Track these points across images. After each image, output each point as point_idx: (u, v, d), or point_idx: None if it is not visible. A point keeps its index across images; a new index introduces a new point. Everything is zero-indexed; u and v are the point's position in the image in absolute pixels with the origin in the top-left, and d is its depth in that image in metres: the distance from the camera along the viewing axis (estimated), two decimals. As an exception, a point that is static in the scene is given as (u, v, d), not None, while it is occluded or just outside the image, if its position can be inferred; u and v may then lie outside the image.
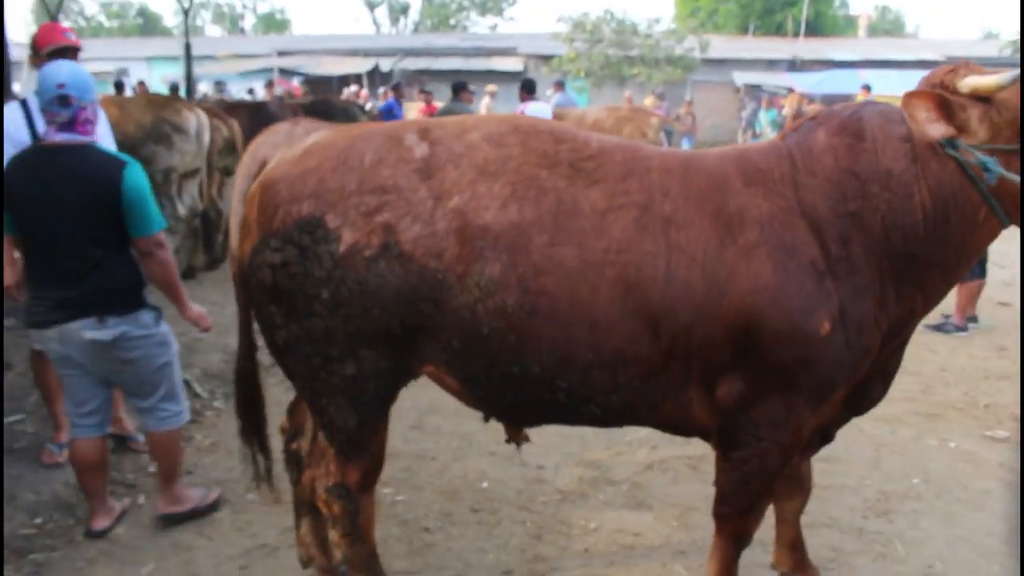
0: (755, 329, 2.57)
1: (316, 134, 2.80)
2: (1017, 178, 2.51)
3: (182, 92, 17.97)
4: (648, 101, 19.87)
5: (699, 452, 4.67)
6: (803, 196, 2.63)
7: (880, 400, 3.02)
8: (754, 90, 26.57)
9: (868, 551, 3.74)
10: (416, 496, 4.16)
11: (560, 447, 4.72)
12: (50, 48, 4.12)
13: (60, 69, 3.46)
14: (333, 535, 2.95)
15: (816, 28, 34.26)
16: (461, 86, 10.08)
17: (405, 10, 45.95)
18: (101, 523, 3.86)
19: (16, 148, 3.97)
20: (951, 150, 2.57)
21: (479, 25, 46.29)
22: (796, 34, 32.07)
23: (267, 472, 3.26)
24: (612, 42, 25.91)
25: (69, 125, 3.45)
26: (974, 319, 7.26)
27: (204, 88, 21.91)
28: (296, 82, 26.15)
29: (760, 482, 2.85)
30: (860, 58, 28.14)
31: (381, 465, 2.90)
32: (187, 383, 5.62)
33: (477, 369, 2.64)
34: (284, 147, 2.80)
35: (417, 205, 2.55)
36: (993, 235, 2.73)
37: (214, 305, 7.01)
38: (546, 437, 4.81)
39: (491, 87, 19.60)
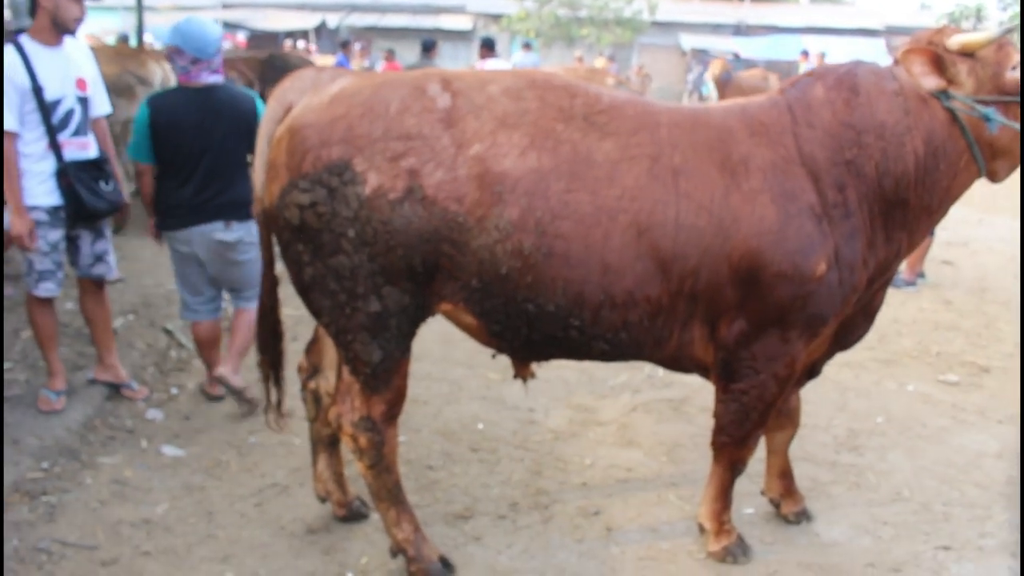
0: (758, 269, 2.80)
1: (341, 80, 2.90)
2: (1016, 125, 2.81)
3: (132, 43, 17.44)
4: (599, 63, 20.01)
5: (680, 395, 4.94)
6: (802, 146, 2.87)
7: (864, 335, 3.29)
8: (701, 54, 26.89)
9: (842, 481, 4.04)
10: (415, 437, 4.33)
11: (547, 391, 4.93)
12: None
13: (212, 25, 4.33)
14: (360, 467, 3.09)
15: (761, -7, 34.71)
16: (431, 44, 10.11)
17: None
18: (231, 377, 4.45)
19: (17, 91, 4.03)
20: (947, 101, 2.85)
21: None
22: (741, -1, 32.47)
23: (279, 403, 3.38)
24: (562, 2, 25.93)
25: (216, 70, 4.30)
26: (922, 275, 7.67)
27: (150, 40, 21.29)
28: (241, 36, 25.57)
29: (757, 412, 3.09)
30: (804, 24, 28.65)
31: (404, 398, 3.06)
32: (169, 333, 5.70)
33: (495, 306, 2.82)
34: (310, 93, 2.90)
35: (440, 152, 2.69)
36: (971, 181, 3.05)
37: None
38: (533, 383, 5.03)
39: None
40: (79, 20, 4.14)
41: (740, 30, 29.22)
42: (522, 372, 3.42)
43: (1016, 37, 2.85)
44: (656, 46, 28.82)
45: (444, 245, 2.72)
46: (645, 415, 4.71)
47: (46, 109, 4.11)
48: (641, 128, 2.83)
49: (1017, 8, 24.30)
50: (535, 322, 2.83)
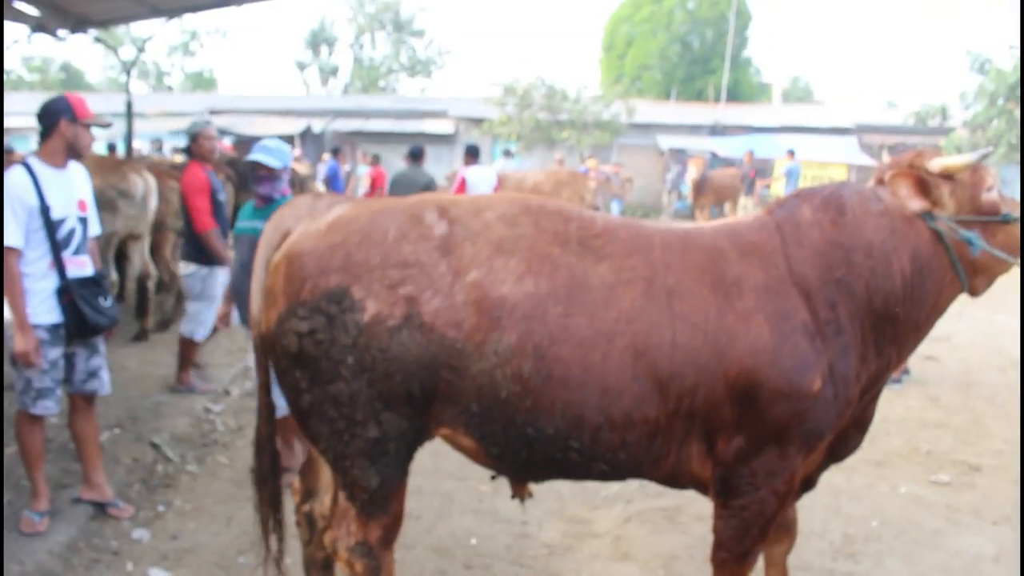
0: (755, 387, 2.84)
1: (338, 208, 2.98)
2: (995, 251, 2.99)
3: (120, 151, 17.76)
4: (591, 163, 20.51)
5: (674, 503, 4.90)
6: (793, 266, 2.95)
7: (858, 447, 3.32)
8: (678, 154, 27.59)
9: (841, 592, 4.00)
10: (409, 555, 4.25)
11: (540, 504, 4.87)
12: (96, 121, 4.36)
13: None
14: (356, 594, 3.04)
15: (735, 95, 35.87)
16: (419, 151, 10.31)
17: (335, 71, 46.36)
18: None
19: (25, 210, 4.15)
20: (932, 222, 2.98)
21: (409, 87, 47.04)
22: (717, 100, 33.51)
23: (279, 551, 3.33)
24: (542, 106, 26.65)
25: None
26: (907, 371, 7.74)
27: (139, 146, 21.68)
28: (228, 141, 26.06)
29: (758, 528, 3.08)
30: (778, 124, 29.53)
31: (400, 522, 3.04)
32: (156, 447, 5.63)
33: (494, 430, 2.83)
34: (307, 219, 2.97)
35: (438, 279, 2.75)
36: (955, 295, 3.14)
37: (169, 367, 7.02)
38: (526, 493, 4.99)
39: (558, 156, 21.38)
40: (89, 147, 4.38)
41: (716, 130, 30.05)
42: (519, 492, 3.41)
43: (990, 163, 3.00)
44: (634, 146, 29.53)
45: (443, 371, 2.75)
46: (639, 526, 4.67)
47: (52, 228, 4.22)
48: (635, 251, 2.91)
49: (979, 108, 25.18)
50: (534, 445, 2.84)
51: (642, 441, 2.87)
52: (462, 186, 10.35)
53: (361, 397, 2.76)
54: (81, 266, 4.40)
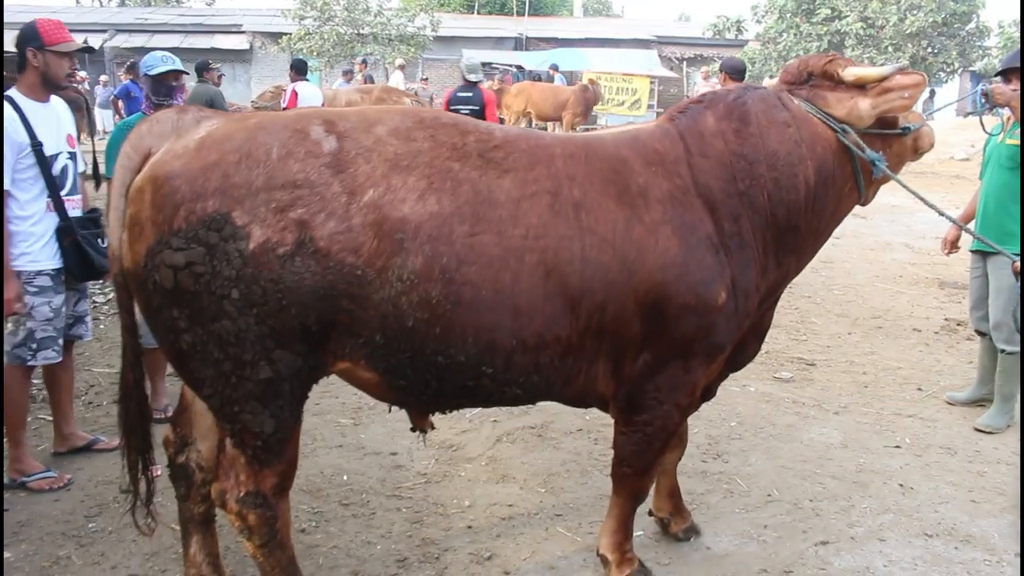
0: (663, 302, 2.77)
1: (207, 123, 2.58)
2: (894, 176, 3.05)
3: None
4: (395, 77, 19.82)
5: (540, 421, 4.88)
6: (697, 176, 2.86)
7: (755, 356, 3.35)
8: (486, 67, 27.34)
9: (716, 489, 4.13)
10: (278, 499, 3.98)
11: (405, 432, 4.68)
12: (68, 47, 3.99)
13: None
14: (248, 547, 2.76)
15: (537, 8, 35.85)
16: (204, 66, 9.53)
17: (110, -19, 42.01)
18: None
19: (12, 147, 3.80)
20: (842, 135, 2.94)
21: (196, 0, 43.35)
22: (520, 13, 33.35)
23: (148, 495, 2.98)
24: (344, 20, 25.45)
25: None
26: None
27: None
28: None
29: (660, 441, 3.07)
30: (581, 36, 29.90)
31: (295, 467, 2.78)
32: None
33: (400, 361, 2.61)
34: (172, 138, 2.56)
35: (331, 200, 2.46)
36: (851, 206, 3.18)
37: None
38: (389, 423, 4.80)
39: (400, 61, 20.58)
40: (69, 76, 4.04)
41: (521, 43, 30.04)
42: (421, 424, 3.21)
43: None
44: (440, 61, 29.02)
45: (342, 300, 2.48)
46: (511, 446, 4.61)
47: (46, 165, 3.90)
48: (537, 162, 2.72)
49: (770, 22, 26.56)
50: (445, 374, 2.65)
51: (555, 362, 2.74)
52: (294, 100, 9.76)
53: (250, 334, 2.45)
54: (77, 206, 4.14)
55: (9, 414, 4.11)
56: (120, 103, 14.34)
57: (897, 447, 4.69)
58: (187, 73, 4.80)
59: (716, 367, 3.11)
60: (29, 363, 4.05)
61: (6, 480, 4.10)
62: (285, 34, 26.04)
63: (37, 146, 3.88)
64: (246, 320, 2.45)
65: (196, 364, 2.54)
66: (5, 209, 3.80)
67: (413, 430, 3.25)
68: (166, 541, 3.52)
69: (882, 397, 5.44)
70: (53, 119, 4.05)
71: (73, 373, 4.58)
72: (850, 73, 2.99)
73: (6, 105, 3.85)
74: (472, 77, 9.70)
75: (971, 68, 26.84)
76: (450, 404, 2.90)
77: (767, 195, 2.92)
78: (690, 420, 4.83)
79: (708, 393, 3.38)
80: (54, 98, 4.13)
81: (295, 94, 10.33)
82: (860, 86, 2.99)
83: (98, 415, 5.07)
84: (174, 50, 27.35)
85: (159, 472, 4.09)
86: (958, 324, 7.08)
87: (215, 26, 29.47)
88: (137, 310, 2.71)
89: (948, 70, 25.99)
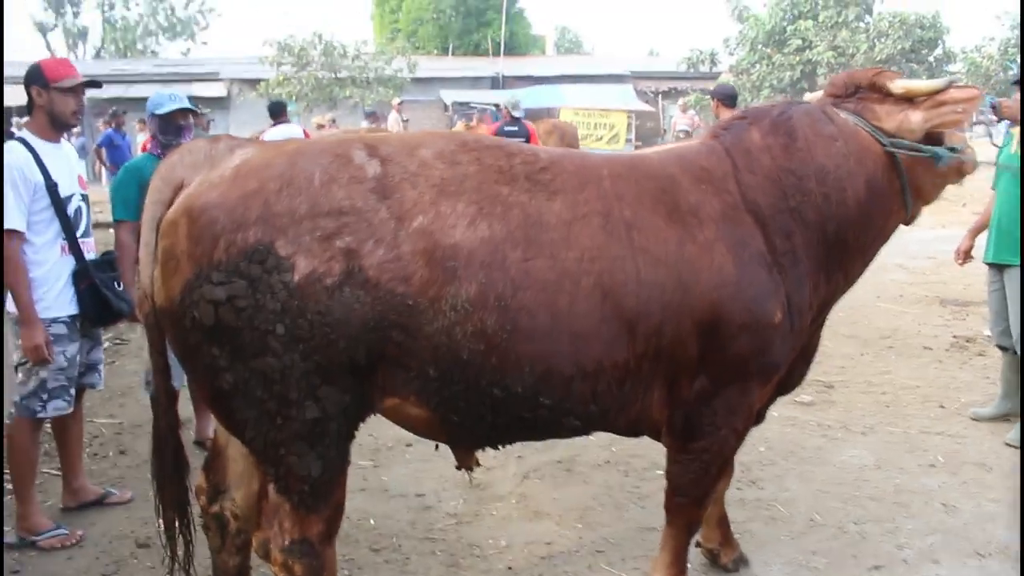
0: (720, 322, 2.67)
1: (241, 151, 2.48)
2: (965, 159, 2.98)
3: None
4: (392, 117, 19.68)
5: (566, 455, 4.74)
6: (746, 193, 2.78)
7: (803, 378, 3.25)
8: (463, 107, 27.49)
9: (756, 517, 4.01)
10: (305, 548, 3.81)
11: (429, 472, 4.57)
12: (72, 82, 3.83)
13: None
14: (292, 601, 2.61)
15: (511, 47, 36.12)
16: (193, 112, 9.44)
17: (83, 34, 41.84)
18: None
19: (28, 188, 3.69)
20: (890, 146, 2.88)
21: (169, 50, 43.43)
22: (495, 53, 33.62)
23: (187, 556, 2.83)
24: (321, 64, 25.49)
25: None
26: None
27: None
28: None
29: (717, 468, 2.96)
30: (557, 73, 30.13)
31: (343, 512, 2.64)
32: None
33: (453, 395, 2.49)
34: (206, 168, 2.45)
35: (379, 227, 2.36)
36: (898, 224, 3.10)
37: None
38: (411, 464, 4.66)
39: (396, 101, 20.43)
40: (76, 113, 3.88)
41: (497, 82, 30.22)
42: (467, 462, 3.08)
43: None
44: (418, 102, 29.06)
45: (392, 332, 2.36)
46: (539, 482, 4.47)
47: (61, 206, 3.81)
48: (586, 183, 2.63)
49: (742, 54, 26.97)
50: (501, 406, 2.52)
51: (612, 389, 2.63)
52: (263, 147, 9.62)
53: (295, 371, 2.33)
54: (91, 249, 4.01)
55: (18, 469, 3.94)
56: (102, 152, 14.18)
57: (932, 466, 4.59)
58: (195, 111, 4.69)
59: (768, 390, 3.01)
60: (39, 415, 3.87)
61: (14, 539, 3.91)
62: (263, 80, 26.01)
63: (52, 187, 3.74)
64: (291, 356, 2.32)
65: (237, 405, 2.40)
66: (21, 252, 3.66)
67: (459, 468, 3.11)
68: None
69: (906, 416, 5.35)
70: (65, 160, 3.94)
71: (83, 424, 4.38)
72: (899, 85, 2.94)
73: (20, 147, 3.73)
74: (516, 113, 10.92)
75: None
76: (504, 438, 2.78)
77: (817, 210, 2.85)
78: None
79: (759, 417, 3.27)
80: (64, 140, 4.02)
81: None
82: (909, 99, 2.93)
83: (104, 467, 4.87)
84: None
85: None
86: (967, 340, 7.04)
87: (193, 74, 29.41)
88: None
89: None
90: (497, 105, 26.96)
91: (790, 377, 3.15)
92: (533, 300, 2.45)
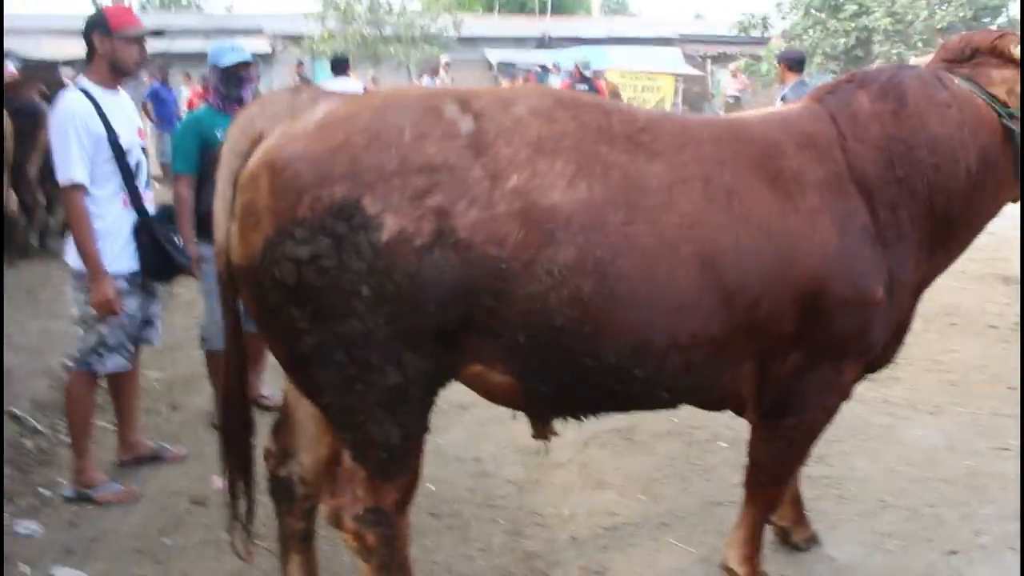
0: (821, 297, 2.54)
1: (324, 103, 2.37)
2: None
3: None
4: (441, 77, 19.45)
5: (625, 424, 4.64)
6: (852, 161, 2.63)
7: (894, 357, 3.11)
8: (507, 67, 27.17)
9: (826, 495, 3.90)
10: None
11: (487, 436, 4.51)
12: (136, 31, 3.79)
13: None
14: (365, 569, 2.56)
15: (557, 7, 35.56)
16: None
17: (127, -13, 41.97)
18: None
19: (91, 139, 3.64)
20: (1007, 118, 2.70)
21: (212, 4, 43.47)
22: (541, 12, 33.10)
23: (249, 516, 2.79)
24: (366, 21, 25.27)
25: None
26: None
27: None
28: (11, 66, 23.11)
29: (804, 448, 2.86)
30: (603, 35, 29.63)
31: (418, 480, 2.57)
32: (18, 419, 4.76)
33: (542, 363, 2.39)
34: (287, 120, 2.36)
35: (472, 186, 2.24)
36: (1006, 201, 2.91)
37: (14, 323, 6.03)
38: (468, 427, 4.60)
39: (445, 59, 19.98)
40: (139, 63, 3.83)
41: (544, 43, 29.79)
42: (545, 432, 2.99)
43: None
44: (463, 61, 28.72)
45: (483, 297, 2.26)
46: (601, 450, 4.39)
47: (123, 158, 3.75)
48: (684, 146, 2.50)
49: (796, 18, 26.24)
50: (592, 377, 2.43)
51: (705, 362, 2.52)
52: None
53: (379, 335, 2.24)
54: (150, 202, 3.94)
55: (74, 423, 3.94)
56: (149, 106, 14.19)
57: (1005, 449, 4.43)
58: (256, 64, 4.60)
59: (860, 367, 2.88)
60: (99, 370, 3.87)
61: (71, 492, 3.92)
62: (306, 36, 25.88)
63: (114, 139, 3.69)
64: (376, 319, 2.23)
65: (316, 369, 2.32)
66: (84, 206, 3.63)
67: (536, 437, 3.03)
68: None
69: (975, 396, 5.17)
70: (124, 110, 3.88)
71: (139, 379, 4.39)
72: (1018, 50, 2.74)
73: (83, 97, 3.68)
74: (587, 72, 11.74)
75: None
76: (590, 409, 2.69)
77: (927, 183, 2.68)
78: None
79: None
80: (121, 90, 3.95)
81: None
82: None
83: (158, 422, 4.89)
84: (196, 55, 27.35)
85: (220, 484, 3.92)
86: (1036, 320, 6.81)
87: (236, 29, 29.27)
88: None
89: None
90: (543, 66, 26.66)
91: (881, 355, 3.01)
92: (632, 267, 2.33)
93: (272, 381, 5.02)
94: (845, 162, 2.64)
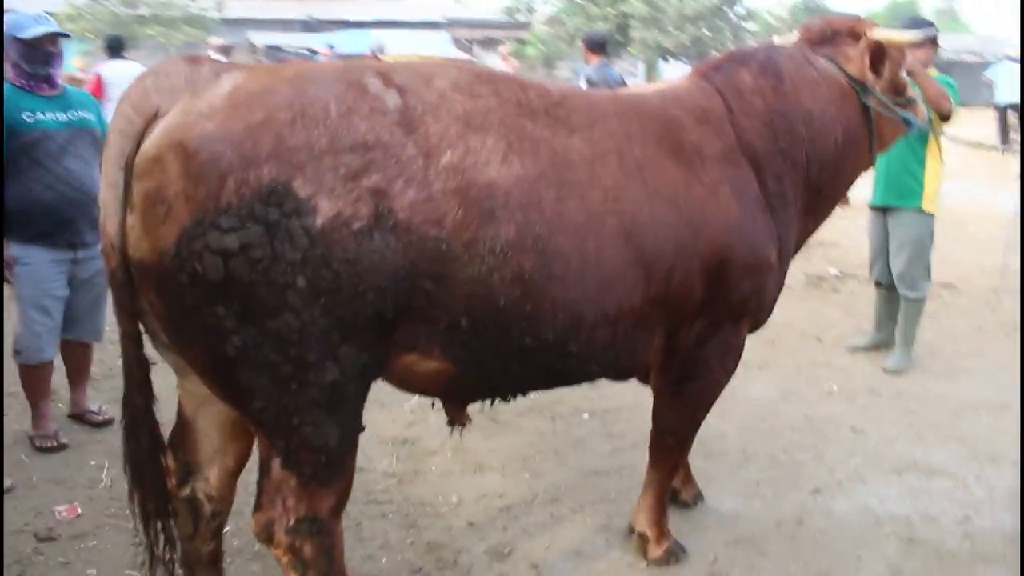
0: (727, 265, 2.67)
1: (228, 76, 2.13)
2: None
3: None
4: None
5: (484, 405, 4.61)
6: (741, 135, 2.78)
7: (764, 322, 3.31)
8: (274, 51, 26.15)
9: (695, 454, 3.95)
10: (241, 523, 3.50)
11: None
12: None
13: None
14: (298, 585, 2.36)
15: (323, -11, 34.65)
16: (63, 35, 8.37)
17: None
18: None
19: None
20: (865, 96, 2.95)
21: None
22: (307, -6, 32.08)
23: (169, 547, 2.52)
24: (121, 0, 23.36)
25: None
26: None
27: None
28: None
29: (704, 410, 3.00)
30: (371, 19, 29.23)
31: (352, 482, 2.41)
32: None
33: (483, 347, 2.31)
34: (186, 95, 2.10)
35: (408, 164, 2.12)
36: (861, 171, 3.21)
37: None
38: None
39: (219, 42, 16.76)
40: None
41: (310, 26, 28.94)
42: (460, 418, 2.91)
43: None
44: (229, 44, 27.38)
45: (423, 281, 2.15)
46: (469, 434, 4.29)
47: None
48: (596, 120, 2.51)
49: (560, 5, 27.30)
50: (529, 357, 2.38)
51: (628, 334, 2.55)
52: (98, 87, 8.67)
53: (315, 329, 2.07)
54: None
55: None
56: None
57: (829, 394, 4.90)
58: (67, 36, 4.04)
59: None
60: None
61: None
62: (53, 14, 23.45)
63: None
64: (312, 312, 2.06)
65: (244, 372, 2.11)
66: None
67: (451, 423, 2.95)
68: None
69: (792, 350, 5.65)
70: None
71: None
72: (877, 34, 3.00)
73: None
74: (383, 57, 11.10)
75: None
76: (522, 389, 2.66)
77: (804, 154, 2.89)
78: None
79: None
80: None
81: (99, 79, 9.00)
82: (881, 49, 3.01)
83: None
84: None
85: (66, 514, 3.49)
86: (819, 278, 7.55)
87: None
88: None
89: (722, 50, 27.93)
90: (311, 49, 25.88)
91: (763, 317, 3.21)
92: (567, 243, 2.31)
93: (95, 395, 4.54)
94: (735, 135, 2.77)
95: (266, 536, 2.32)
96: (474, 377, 2.42)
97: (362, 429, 2.34)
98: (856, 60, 3.01)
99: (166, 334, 2.20)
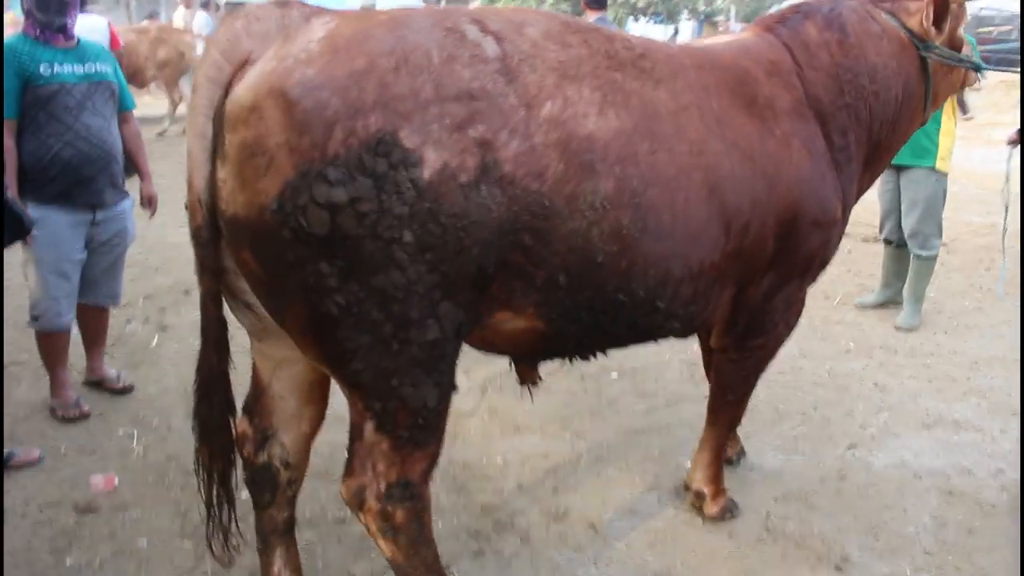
0: (798, 219, 2.66)
1: (320, 21, 2.04)
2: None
3: None
4: (179, 14, 17.20)
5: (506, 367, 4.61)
6: (808, 89, 2.76)
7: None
8: (238, 7, 25.54)
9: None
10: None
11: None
12: None
13: None
14: (388, 549, 2.31)
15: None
16: None
17: None
18: None
19: None
20: (926, 51, 2.96)
21: None
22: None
23: (230, 519, 2.47)
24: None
25: None
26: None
27: None
28: None
29: (766, 364, 3.00)
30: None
31: (443, 444, 2.38)
32: None
33: (578, 303, 2.27)
34: (280, 41, 2.01)
35: (510, 114, 2.05)
36: (918, 126, 3.21)
37: None
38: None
39: None
40: None
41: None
42: (532, 376, 2.88)
43: None
44: None
45: (524, 236, 2.09)
46: (501, 396, 4.32)
47: None
48: (676, 72, 2.46)
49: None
50: (621, 313, 2.35)
51: (707, 289, 2.53)
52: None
53: (420, 286, 2.00)
54: None
55: None
56: None
57: (847, 351, 4.96)
58: None
59: None
60: None
61: None
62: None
63: None
64: (417, 268, 1.99)
65: (345, 331, 2.03)
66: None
67: (522, 383, 2.92)
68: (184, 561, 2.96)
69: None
70: None
71: None
72: None
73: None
74: None
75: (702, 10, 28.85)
76: (607, 346, 2.63)
77: (869, 109, 2.89)
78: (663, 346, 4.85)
79: None
80: None
81: None
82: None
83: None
84: None
85: (102, 485, 3.41)
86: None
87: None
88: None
89: (692, 8, 27.81)
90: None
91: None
92: (660, 197, 2.28)
93: (111, 362, 4.44)
94: (803, 89, 2.76)
95: (357, 503, 2.27)
96: (563, 334, 2.38)
97: (456, 389, 2.30)
98: (916, 15, 3.00)
99: (260, 294, 2.13)
